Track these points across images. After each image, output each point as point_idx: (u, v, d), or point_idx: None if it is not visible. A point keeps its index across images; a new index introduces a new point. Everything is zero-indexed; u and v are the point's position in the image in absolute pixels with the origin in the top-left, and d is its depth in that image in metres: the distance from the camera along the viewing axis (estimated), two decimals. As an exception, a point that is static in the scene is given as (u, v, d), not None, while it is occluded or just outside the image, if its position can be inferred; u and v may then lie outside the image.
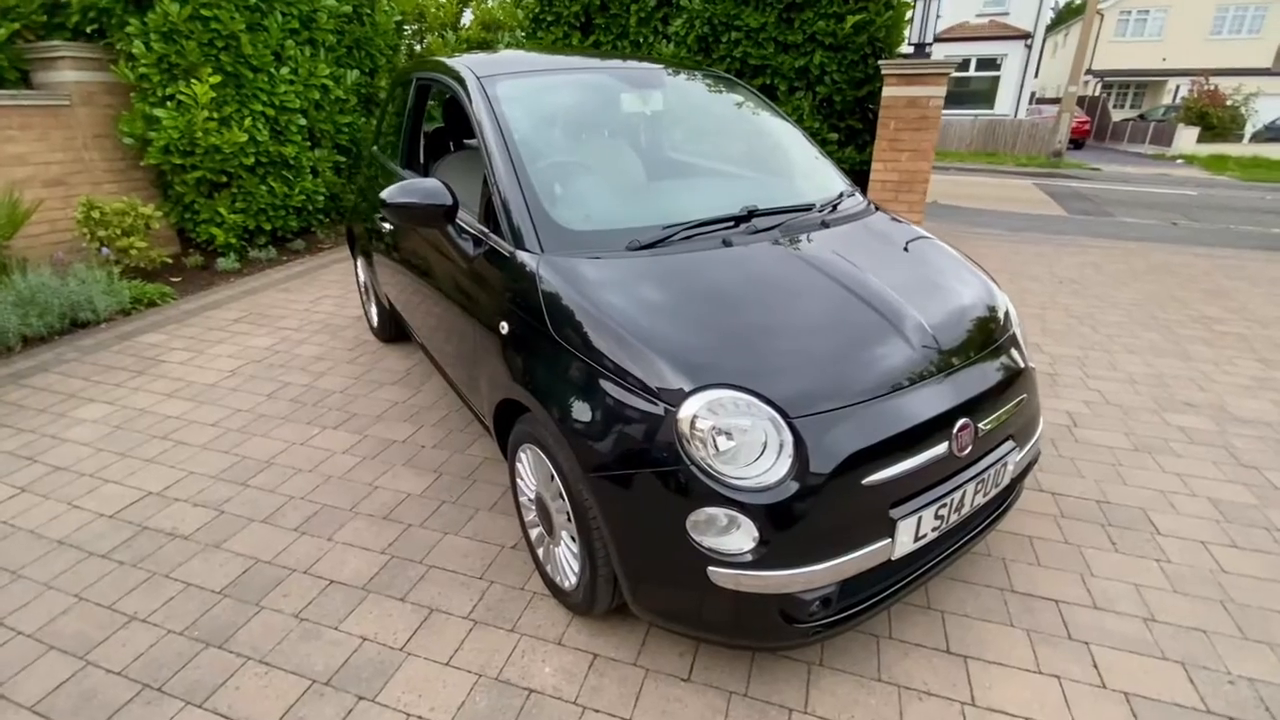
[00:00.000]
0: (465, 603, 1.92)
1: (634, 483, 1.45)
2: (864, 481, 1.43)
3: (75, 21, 4.57)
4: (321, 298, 4.58)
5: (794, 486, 1.38)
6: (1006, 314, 1.96)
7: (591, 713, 1.58)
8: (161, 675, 1.69)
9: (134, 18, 4.39)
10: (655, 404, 1.43)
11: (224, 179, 4.99)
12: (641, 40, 5.79)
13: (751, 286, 1.72)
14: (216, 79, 4.59)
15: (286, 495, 2.43)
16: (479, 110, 2.12)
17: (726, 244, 1.87)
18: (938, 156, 17.55)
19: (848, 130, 5.58)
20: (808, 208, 2.18)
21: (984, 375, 1.70)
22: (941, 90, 5.00)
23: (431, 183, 1.98)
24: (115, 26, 4.52)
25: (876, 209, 2.40)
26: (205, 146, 4.71)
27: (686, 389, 1.42)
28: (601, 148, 2.35)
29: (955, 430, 1.55)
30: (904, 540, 1.50)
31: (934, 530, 1.57)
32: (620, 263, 1.75)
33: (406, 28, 6.54)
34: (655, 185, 2.25)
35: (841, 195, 2.35)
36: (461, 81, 2.29)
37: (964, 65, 21.60)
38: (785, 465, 1.39)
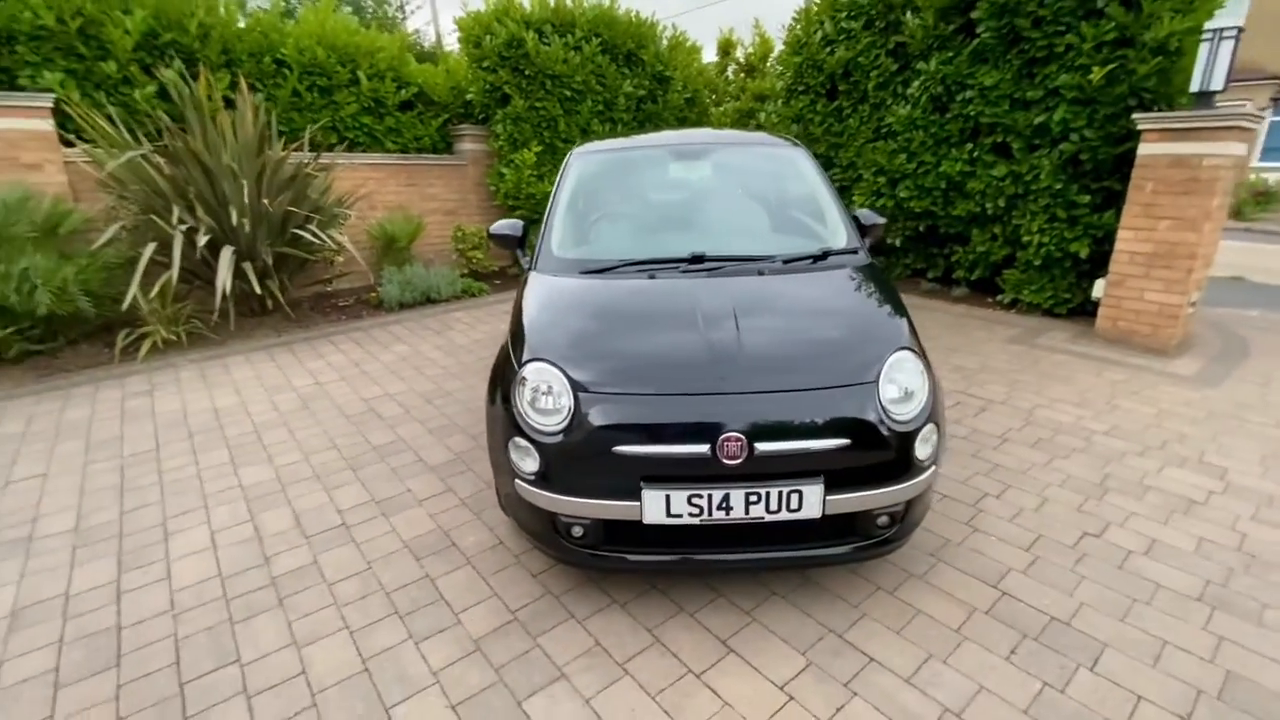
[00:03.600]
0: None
1: (494, 412, 2.22)
2: (614, 449, 1.92)
3: (476, 113, 7.22)
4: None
5: (564, 437, 1.97)
6: (878, 376, 2.02)
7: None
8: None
9: (499, 109, 6.74)
10: (515, 364, 2.19)
11: (536, 215, 7.11)
12: (880, 102, 5.98)
13: (631, 304, 2.30)
14: (539, 148, 6.65)
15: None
16: (560, 173, 3.12)
17: (651, 276, 2.45)
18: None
19: (1104, 193, 4.79)
20: (763, 258, 2.54)
21: (778, 407, 1.93)
22: (1230, 148, 3.99)
23: (515, 221, 3.05)
24: (492, 115, 6.99)
25: (862, 267, 2.57)
26: (526, 194, 6.83)
27: (525, 358, 2.14)
28: (623, 201, 3.10)
29: (720, 439, 1.88)
30: (652, 510, 1.90)
31: (692, 516, 1.91)
32: (565, 280, 2.52)
33: (695, 102, 7.97)
34: (650, 232, 2.89)
35: (825, 252, 2.60)
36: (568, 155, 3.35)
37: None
38: (564, 421, 1.99)
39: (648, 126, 7.49)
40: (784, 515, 1.92)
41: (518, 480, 2.07)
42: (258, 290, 5.12)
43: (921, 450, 2.02)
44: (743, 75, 7.85)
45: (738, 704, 1.78)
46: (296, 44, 6.20)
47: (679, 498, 1.89)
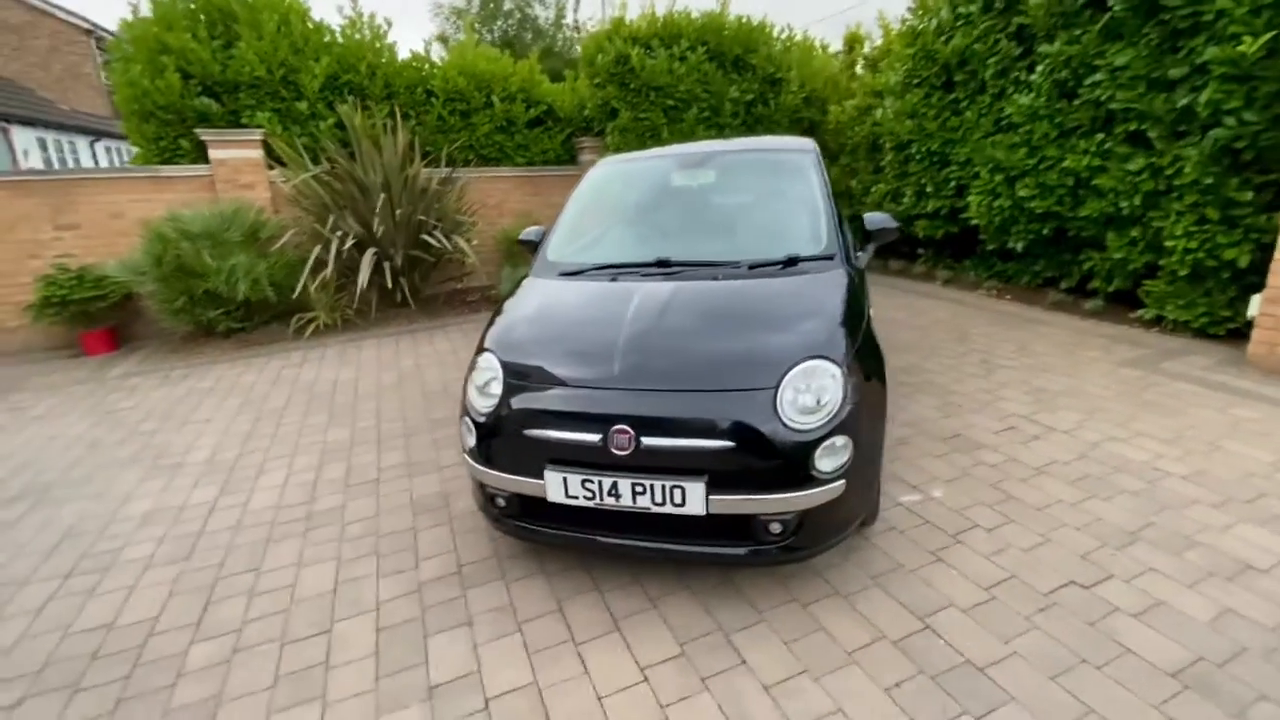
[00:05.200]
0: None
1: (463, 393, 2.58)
2: (525, 432, 2.16)
3: (595, 126, 7.75)
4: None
5: (492, 417, 2.25)
6: (779, 382, 2.00)
7: (449, 526, 2.78)
8: (384, 438, 3.76)
9: (609, 122, 7.19)
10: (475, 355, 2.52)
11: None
12: (999, 92, 5.37)
13: (577, 304, 2.50)
14: (644, 156, 6.98)
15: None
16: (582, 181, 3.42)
17: (613, 279, 2.63)
18: None
19: (1274, 189, 3.87)
20: (727, 264, 2.59)
21: (668, 404, 2.02)
22: None
23: (539, 228, 3.39)
24: (605, 128, 7.46)
25: (830, 274, 2.51)
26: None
27: (479, 349, 2.45)
28: (620, 208, 3.26)
29: (611, 430, 2.03)
30: (553, 489, 2.10)
31: (587, 499, 2.07)
32: (544, 281, 2.79)
33: (812, 101, 7.71)
34: (637, 238, 3.04)
35: (794, 258, 2.57)
36: None
37: None
38: (494, 405, 2.27)
39: (758, 129, 7.46)
40: (669, 509, 2.01)
41: (464, 454, 2.39)
42: (389, 286, 6.12)
43: (825, 462, 1.98)
44: (870, 72, 7.45)
45: (595, 674, 1.93)
46: (443, 75, 7.22)
47: (574, 480, 2.07)
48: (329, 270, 5.93)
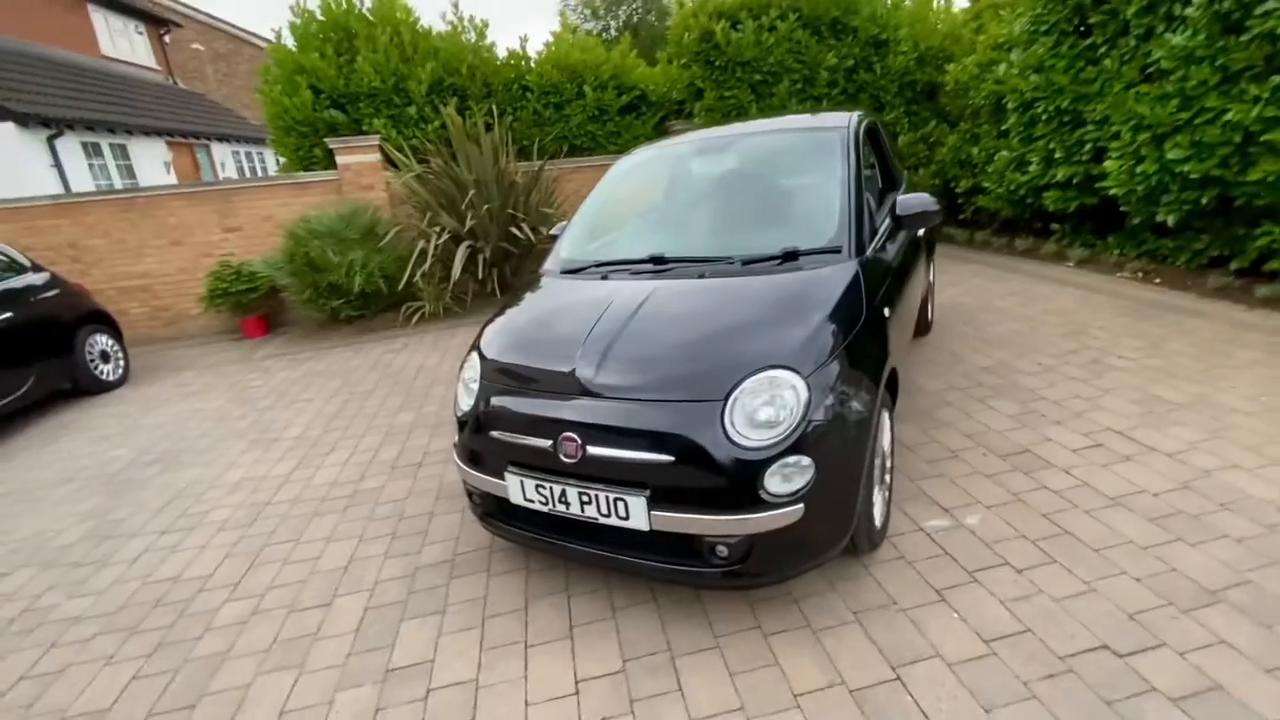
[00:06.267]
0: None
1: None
2: (491, 433, 2.19)
3: (686, 109, 7.56)
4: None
5: (470, 415, 2.31)
6: (729, 394, 1.84)
7: (461, 514, 2.93)
8: (439, 424, 4.03)
9: (695, 103, 6.96)
10: (470, 353, 2.59)
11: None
12: (1146, 32, 4.40)
13: (561, 305, 2.48)
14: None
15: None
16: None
17: (604, 278, 2.56)
18: None
19: None
20: (722, 259, 2.41)
21: (613, 413, 1.93)
22: None
23: (565, 224, 3.40)
24: (694, 108, 7.25)
25: (828, 269, 2.24)
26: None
27: (470, 348, 2.51)
28: (634, 202, 3.14)
29: (560, 437, 1.99)
30: (513, 490, 2.13)
31: (541, 504, 2.07)
32: (549, 280, 2.79)
33: (926, 61, 6.85)
34: (644, 232, 2.91)
35: (792, 252, 2.33)
36: None
37: None
38: (472, 403, 2.33)
39: (861, 97, 6.82)
40: (614, 521, 1.95)
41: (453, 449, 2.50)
42: (480, 277, 6.49)
43: (777, 483, 1.80)
44: (995, 20, 6.46)
45: (533, 680, 1.93)
46: (538, 70, 7.44)
47: (530, 485, 2.08)
48: (427, 263, 6.43)
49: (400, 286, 6.55)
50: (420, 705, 1.90)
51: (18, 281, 5.28)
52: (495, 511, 2.31)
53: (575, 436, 1.96)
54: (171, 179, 12.77)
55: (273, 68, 7.13)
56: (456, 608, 2.30)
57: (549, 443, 2.01)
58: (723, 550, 1.86)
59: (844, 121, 2.88)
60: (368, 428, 4.09)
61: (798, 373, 1.86)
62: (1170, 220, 4.56)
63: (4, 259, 5.38)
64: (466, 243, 6.50)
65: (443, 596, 2.37)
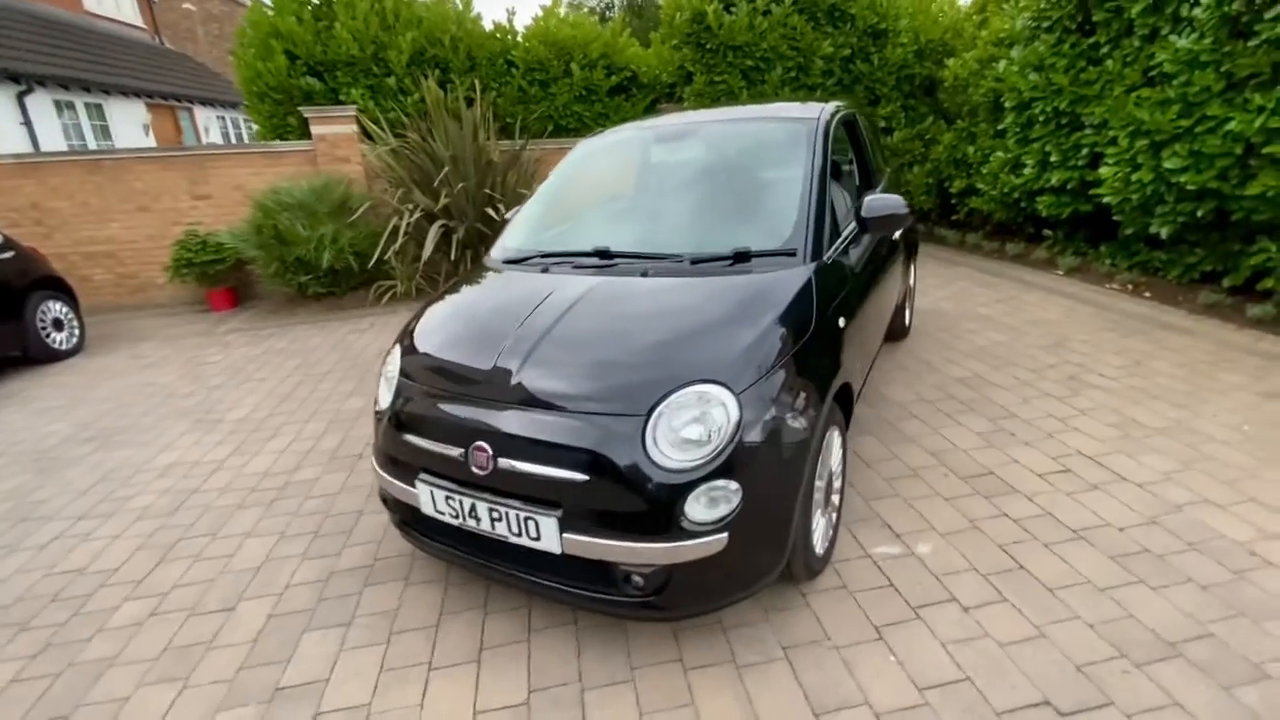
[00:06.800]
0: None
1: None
2: (403, 436, 2.01)
3: (677, 92, 7.31)
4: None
5: (387, 414, 2.13)
6: (651, 410, 1.66)
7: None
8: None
9: (685, 86, 6.71)
10: (396, 346, 2.41)
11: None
12: (1151, 32, 4.19)
13: (492, 299, 2.31)
14: (720, 123, 6.47)
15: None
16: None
17: (544, 270, 2.37)
18: None
19: None
20: (670, 257, 2.22)
21: (528, 423, 1.76)
22: None
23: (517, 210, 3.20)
24: (684, 92, 7.01)
25: (778, 273, 2.06)
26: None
27: (394, 341, 2.33)
28: (585, 188, 2.96)
29: (471, 446, 1.82)
30: (424, 500, 1.95)
31: (451, 516, 1.90)
32: (489, 270, 2.60)
33: (925, 54, 6.60)
34: (592, 223, 2.74)
35: (743, 253, 2.15)
36: None
37: None
38: (390, 401, 2.15)
39: (856, 89, 6.58)
40: (525, 541, 1.79)
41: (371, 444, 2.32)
42: (453, 257, 6.27)
43: (699, 510, 1.63)
44: (996, 14, 6.21)
45: (429, 709, 1.78)
46: (524, 45, 7.16)
47: (440, 496, 1.91)
48: (399, 241, 6.20)
49: (371, 264, 6.33)
50: (303, 732, 1.74)
51: (-35, 243, 5.05)
52: (411, 520, 2.14)
53: (486, 446, 1.79)
54: (150, 141, 12.43)
55: (247, 30, 6.84)
56: (364, 620, 2.14)
57: (460, 451, 1.84)
58: (638, 579, 1.70)
59: (815, 113, 2.67)
60: (315, 412, 3.92)
61: (729, 389, 1.68)
62: (1164, 232, 4.38)
63: (-50, 218, 5.15)
64: (440, 221, 6.27)
65: (352, 606, 2.21)
